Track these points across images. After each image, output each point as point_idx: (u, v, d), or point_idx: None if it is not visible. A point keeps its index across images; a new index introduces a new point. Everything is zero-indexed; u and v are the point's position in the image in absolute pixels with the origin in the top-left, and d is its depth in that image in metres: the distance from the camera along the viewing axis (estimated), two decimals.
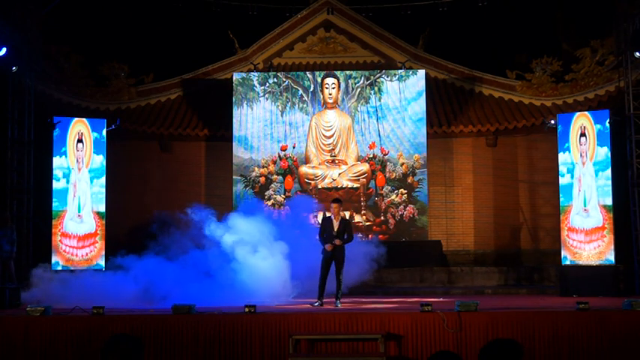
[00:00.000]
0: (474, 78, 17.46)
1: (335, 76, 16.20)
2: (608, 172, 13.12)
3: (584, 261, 13.19)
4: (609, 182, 13.09)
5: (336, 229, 11.08)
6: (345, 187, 15.75)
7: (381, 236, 15.32)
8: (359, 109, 16.12)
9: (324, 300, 11.00)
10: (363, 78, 16.20)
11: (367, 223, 15.76)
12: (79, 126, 13.77)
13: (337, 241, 11.00)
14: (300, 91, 16.20)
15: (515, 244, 16.78)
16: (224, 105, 16.61)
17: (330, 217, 11.23)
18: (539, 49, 17.06)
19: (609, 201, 13.04)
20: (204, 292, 11.18)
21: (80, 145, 13.67)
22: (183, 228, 12.31)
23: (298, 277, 11.89)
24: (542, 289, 14.14)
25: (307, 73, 16.45)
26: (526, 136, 16.71)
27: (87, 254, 13.47)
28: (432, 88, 17.09)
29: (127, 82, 16.98)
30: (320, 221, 11.82)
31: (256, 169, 15.96)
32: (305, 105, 16.18)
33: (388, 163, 15.92)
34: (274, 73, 16.46)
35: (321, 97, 16.15)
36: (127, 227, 15.50)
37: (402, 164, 15.88)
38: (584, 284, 12.76)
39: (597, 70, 15.76)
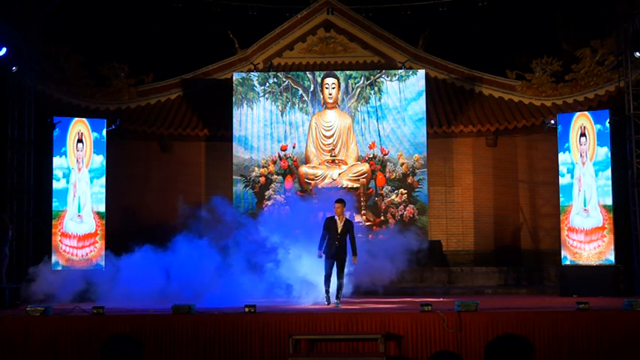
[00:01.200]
0: (474, 78, 17.46)
1: (335, 76, 16.19)
2: (608, 172, 13.12)
3: (584, 261, 13.20)
4: (609, 182, 13.10)
5: (340, 230, 11.10)
6: (345, 187, 15.74)
7: (381, 236, 15.30)
8: (359, 109, 16.11)
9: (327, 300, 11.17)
10: (363, 78, 16.19)
11: (367, 223, 15.75)
12: (79, 126, 13.78)
13: (354, 260, 11.20)
14: (300, 91, 16.19)
15: (515, 244, 16.78)
16: (224, 105, 16.61)
17: (333, 217, 11.21)
18: (539, 49, 17.06)
19: (609, 201, 13.05)
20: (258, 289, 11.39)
21: (80, 145, 13.68)
22: (214, 222, 12.38)
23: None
24: (542, 289, 14.15)
25: (307, 73, 16.44)
26: (526, 136, 16.71)
27: (87, 254, 13.47)
28: (432, 88, 17.08)
29: (127, 82, 16.98)
30: (322, 220, 11.79)
31: (256, 169, 15.96)
32: (305, 105, 16.17)
33: (388, 163, 15.92)
34: (274, 73, 16.46)
35: (321, 97, 16.14)
36: (134, 226, 15.53)
37: (402, 164, 15.87)
38: (584, 284, 12.77)
39: (597, 70, 15.76)
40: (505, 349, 3.70)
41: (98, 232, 13.60)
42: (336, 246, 11.05)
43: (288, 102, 16.16)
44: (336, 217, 11.17)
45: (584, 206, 13.27)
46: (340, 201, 11.34)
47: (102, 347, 3.84)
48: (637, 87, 13.73)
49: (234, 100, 16.14)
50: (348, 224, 11.23)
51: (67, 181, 13.50)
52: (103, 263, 13.44)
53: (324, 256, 11.20)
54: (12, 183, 13.43)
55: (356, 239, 11.36)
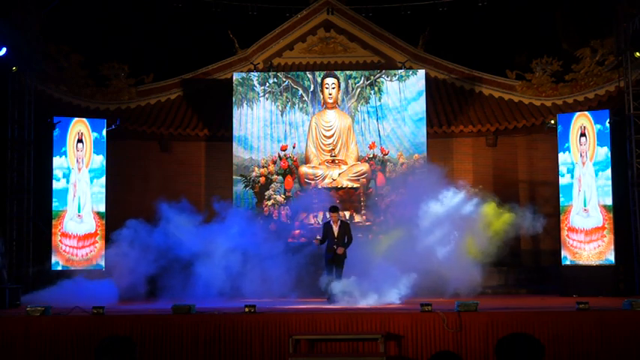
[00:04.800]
0: (473, 78, 17.45)
1: (335, 76, 16.18)
2: (608, 172, 13.14)
3: (584, 261, 13.21)
4: (609, 182, 13.12)
5: (336, 234, 11.85)
6: (345, 187, 15.73)
7: (381, 236, 15.29)
8: (359, 109, 16.11)
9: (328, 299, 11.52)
10: (363, 78, 16.18)
11: (367, 223, 15.73)
12: (79, 126, 13.80)
13: (340, 250, 11.71)
14: (300, 91, 16.18)
15: (515, 244, 16.74)
16: (224, 105, 16.61)
17: (329, 222, 11.90)
18: (539, 49, 17.05)
19: (609, 201, 13.07)
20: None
21: (80, 145, 13.71)
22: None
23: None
24: (542, 289, 14.14)
25: (307, 73, 16.43)
26: (526, 136, 16.70)
27: (87, 254, 13.50)
28: (432, 88, 17.07)
29: (127, 82, 16.96)
30: (321, 222, 12.24)
31: (256, 169, 15.95)
32: (305, 105, 16.16)
33: (388, 163, 15.91)
34: (274, 73, 16.45)
35: (321, 97, 16.13)
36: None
37: (402, 164, 15.86)
38: (584, 284, 12.79)
39: (597, 70, 15.75)
40: (517, 348, 3.69)
41: (98, 232, 13.62)
42: (334, 250, 11.75)
43: (288, 102, 16.16)
44: (332, 223, 11.94)
45: (584, 206, 13.29)
46: (334, 210, 12.09)
47: (95, 349, 3.84)
48: (637, 87, 13.74)
49: (234, 100, 16.13)
50: (344, 226, 12.00)
51: (67, 181, 13.52)
52: (102, 263, 13.46)
53: (324, 260, 11.91)
54: (12, 183, 13.45)
55: (353, 240, 11.99)
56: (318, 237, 12.09)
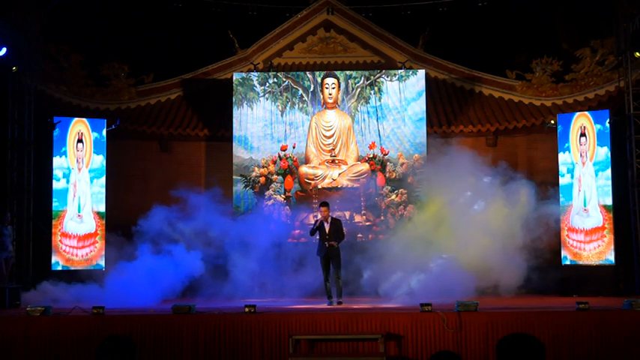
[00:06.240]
0: (473, 78, 17.45)
1: (335, 76, 16.18)
2: (608, 172, 13.15)
3: (584, 261, 13.22)
4: (609, 182, 13.13)
5: (327, 231, 11.73)
6: (345, 187, 15.74)
7: (381, 236, 15.31)
8: (359, 109, 16.11)
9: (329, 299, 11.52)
10: (363, 78, 16.18)
11: (367, 223, 15.74)
12: (79, 126, 13.81)
13: (334, 243, 11.62)
14: (300, 91, 16.18)
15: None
16: (224, 105, 16.61)
17: (321, 219, 11.79)
18: (539, 49, 17.05)
19: (609, 201, 13.07)
20: None
21: (80, 145, 13.72)
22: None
23: None
24: (542, 289, 14.15)
25: (307, 73, 16.43)
26: (526, 136, 16.69)
27: (87, 254, 13.50)
28: (432, 88, 17.07)
29: (127, 82, 16.96)
30: (315, 220, 12.30)
31: (256, 169, 15.95)
32: (305, 105, 16.16)
33: (388, 163, 15.91)
34: (274, 73, 16.45)
35: (321, 97, 16.13)
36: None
37: (402, 164, 15.87)
38: (584, 284, 12.80)
39: (597, 70, 15.75)
40: (518, 348, 3.70)
41: (98, 232, 13.63)
42: (326, 247, 11.64)
43: (288, 102, 16.15)
44: (323, 220, 11.81)
45: (584, 206, 13.29)
46: (324, 204, 11.98)
47: (95, 350, 3.84)
48: (637, 87, 13.75)
49: (234, 100, 16.14)
50: (336, 223, 11.90)
51: (67, 181, 13.53)
52: (103, 263, 13.46)
53: (320, 260, 11.78)
54: (12, 183, 13.45)
55: (345, 237, 12.01)
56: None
